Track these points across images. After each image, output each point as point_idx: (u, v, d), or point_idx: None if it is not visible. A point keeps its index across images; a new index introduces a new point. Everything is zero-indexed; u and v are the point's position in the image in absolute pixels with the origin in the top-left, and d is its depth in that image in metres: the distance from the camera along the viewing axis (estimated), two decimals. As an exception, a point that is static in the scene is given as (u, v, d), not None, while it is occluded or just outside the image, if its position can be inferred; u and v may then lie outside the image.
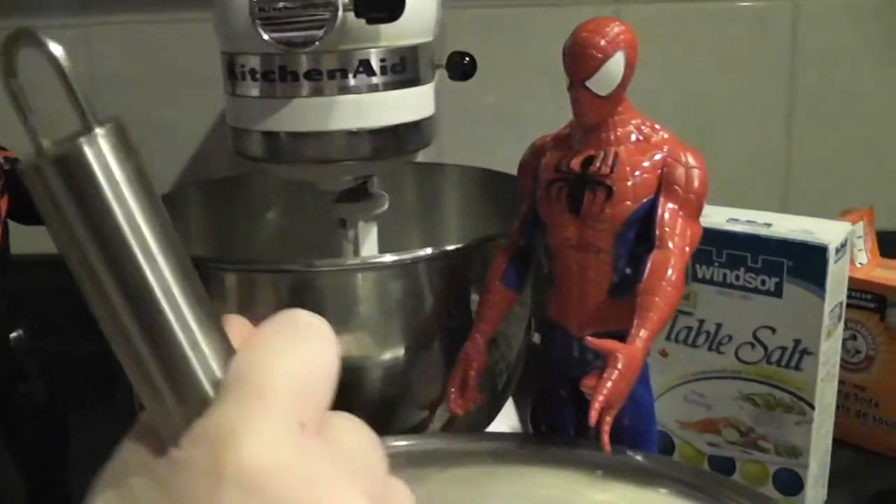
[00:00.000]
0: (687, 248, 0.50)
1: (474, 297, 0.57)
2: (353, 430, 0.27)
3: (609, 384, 0.45)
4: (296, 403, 0.25)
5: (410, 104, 0.60)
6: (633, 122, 0.51)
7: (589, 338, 0.47)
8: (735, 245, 0.64)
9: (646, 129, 0.51)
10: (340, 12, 0.53)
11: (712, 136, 0.97)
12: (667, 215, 0.49)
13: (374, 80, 0.58)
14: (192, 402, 0.24)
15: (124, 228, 0.23)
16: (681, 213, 0.50)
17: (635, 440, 0.53)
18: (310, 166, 0.61)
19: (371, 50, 0.57)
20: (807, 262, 0.62)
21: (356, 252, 0.66)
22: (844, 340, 0.77)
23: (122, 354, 0.24)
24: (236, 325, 0.28)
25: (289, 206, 0.78)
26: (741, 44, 0.95)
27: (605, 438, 0.46)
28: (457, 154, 0.91)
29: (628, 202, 0.49)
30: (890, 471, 0.74)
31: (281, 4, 0.54)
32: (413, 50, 0.59)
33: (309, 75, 0.57)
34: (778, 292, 0.63)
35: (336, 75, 0.57)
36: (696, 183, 0.50)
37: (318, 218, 0.69)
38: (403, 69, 0.58)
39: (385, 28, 0.56)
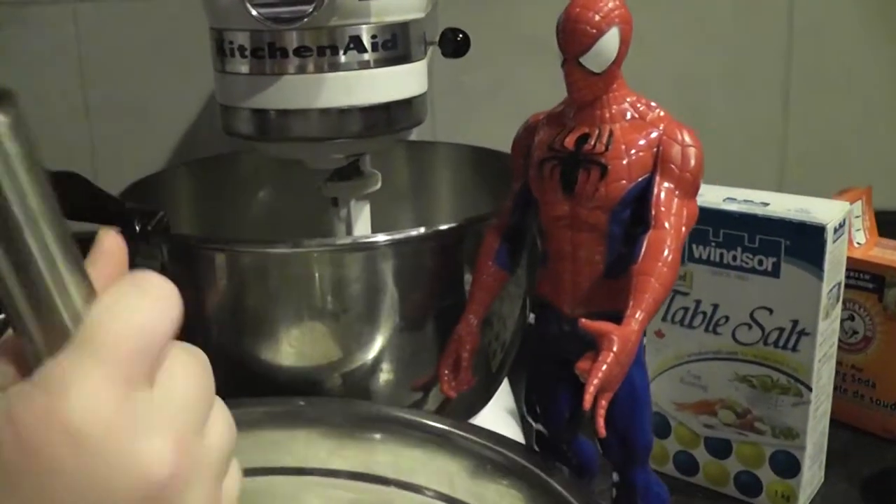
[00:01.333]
0: (683, 228, 0.49)
1: (468, 277, 0.56)
2: (184, 374, 0.31)
3: (604, 367, 0.44)
4: (128, 359, 0.28)
5: (402, 81, 0.59)
6: (629, 99, 0.50)
7: (583, 320, 0.46)
8: (732, 225, 0.63)
9: (641, 107, 0.50)
10: (330, -13, 0.52)
11: (707, 113, 0.97)
12: (662, 194, 0.48)
13: (365, 56, 0.57)
14: (54, 333, 0.28)
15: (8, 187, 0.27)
16: (677, 192, 0.49)
17: (629, 422, 0.52)
18: (300, 144, 0.60)
19: (362, 26, 0.56)
20: (805, 241, 0.61)
21: (348, 231, 0.65)
22: (842, 321, 0.76)
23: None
24: (106, 259, 0.31)
25: (280, 185, 0.77)
26: (737, 20, 0.94)
27: (601, 422, 0.46)
28: (451, 131, 0.91)
29: (623, 181, 0.48)
30: (887, 452, 0.74)
31: (268, -21, 0.52)
32: (404, 26, 0.58)
33: (298, 52, 0.56)
34: (775, 272, 0.63)
35: (326, 52, 0.56)
36: (692, 161, 0.49)
37: (309, 196, 0.67)
38: (395, 46, 0.57)
39: (376, 4, 0.55)
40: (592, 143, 0.49)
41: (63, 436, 0.27)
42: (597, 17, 0.47)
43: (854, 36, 0.96)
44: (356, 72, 0.57)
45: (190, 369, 0.31)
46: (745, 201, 0.65)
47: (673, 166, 0.48)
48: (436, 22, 0.78)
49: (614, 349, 0.45)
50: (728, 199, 0.65)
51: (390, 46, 0.57)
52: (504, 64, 0.93)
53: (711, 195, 0.65)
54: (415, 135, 0.81)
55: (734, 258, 0.64)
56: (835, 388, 0.77)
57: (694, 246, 0.64)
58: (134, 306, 0.30)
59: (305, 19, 0.52)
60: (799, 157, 0.99)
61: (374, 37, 0.56)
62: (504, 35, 0.92)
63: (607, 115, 0.49)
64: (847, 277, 0.75)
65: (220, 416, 0.33)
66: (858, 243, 0.77)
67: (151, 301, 0.30)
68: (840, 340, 0.77)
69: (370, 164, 0.66)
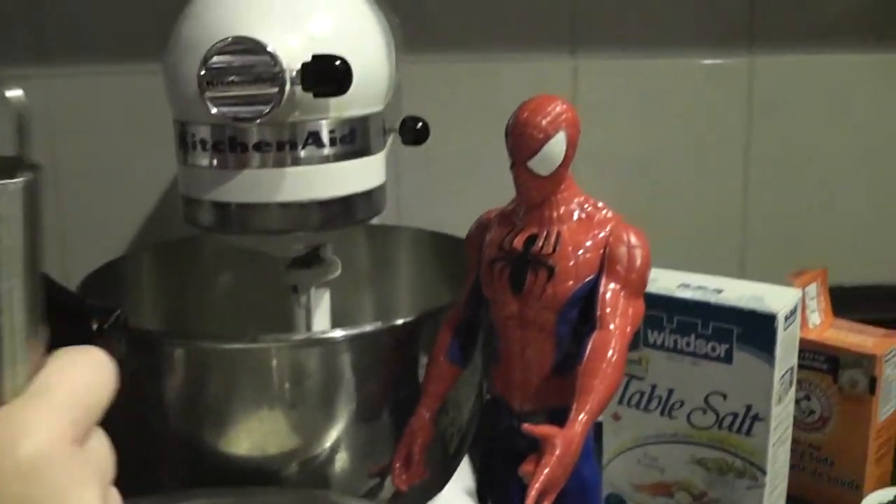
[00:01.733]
0: (629, 328, 0.50)
1: (422, 371, 0.57)
2: (102, 445, 0.34)
3: (546, 471, 0.45)
4: (71, 415, 0.31)
5: (360, 174, 0.60)
6: (577, 199, 0.51)
7: (526, 425, 0.47)
8: (685, 311, 0.65)
9: (589, 208, 0.51)
10: (288, 86, 0.53)
11: (669, 194, 0.98)
12: (608, 295, 0.50)
13: (324, 151, 0.58)
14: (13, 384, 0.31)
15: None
16: (623, 292, 0.50)
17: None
18: (260, 236, 0.60)
19: (320, 122, 0.57)
20: (756, 329, 0.63)
21: (308, 318, 0.66)
22: (799, 401, 0.77)
23: None
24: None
25: (242, 270, 0.78)
26: (698, 100, 0.96)
27: None
28: (416, 212, 0.92)
29: (570, 282, 0.50)
30: (845, 529, 0.75)
31: (229, 78, 0.54)
32: (363, 120, 0.59)
33: (258, 147, 0.57)
34: (728, 358, 0.64)
35: (285, 147, 0.57)
36: (638, 262, 0.50)
37: (272, 281, 0.68)
38: (353, 140, 0.58)
39: (334, 100, 0.56)
40: (540, 244, 0.50)
41: (13, 473, 0.29)
42: (544, 122, 0.48)
43: (811, 115, 0.98)
44: (315, 166, 0.58)
45: (104, 445, 0.34)
46: (699, 287, 0.66)
47: (619, 267, 0.50)
48: (398, 107, 0.80)
49: (557, 453, 0.46)
50: (682, 285, 0.66)
51: (349, 141, 0.58)
52: (471, 143, 0.94)
53: (666, 281, 0.66)
54: (380, 217, 0.82)
55: (688, 344, 0.65)
56: (793, 467, 0.78)
57: (649, 331, 0.66)
58: (78, 372, 0.33)
59: (264, 117, 0.53)
60: (759, 236, 1.00)
61: (332, 132, 0.57)
62: (469, 114, 0.93)
63: (555, 215, 0.51)
64: (803, 358, 0.77)
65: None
66: (814, 324, 0.79)
67: (96, 369, 0.33)
68: (797, 420, 0.78)
69: (331, 251, 0.67)
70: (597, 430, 0.68)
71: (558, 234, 0.50)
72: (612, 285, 0.50)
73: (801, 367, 0.77)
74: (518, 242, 0.51)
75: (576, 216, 0.51)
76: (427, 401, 0.55)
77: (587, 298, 0.50)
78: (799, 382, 0.77)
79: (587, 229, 0.51)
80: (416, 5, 0.91)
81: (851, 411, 0.76)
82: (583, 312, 0.50)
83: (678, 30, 0.94)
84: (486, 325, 0.55)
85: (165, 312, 0.75)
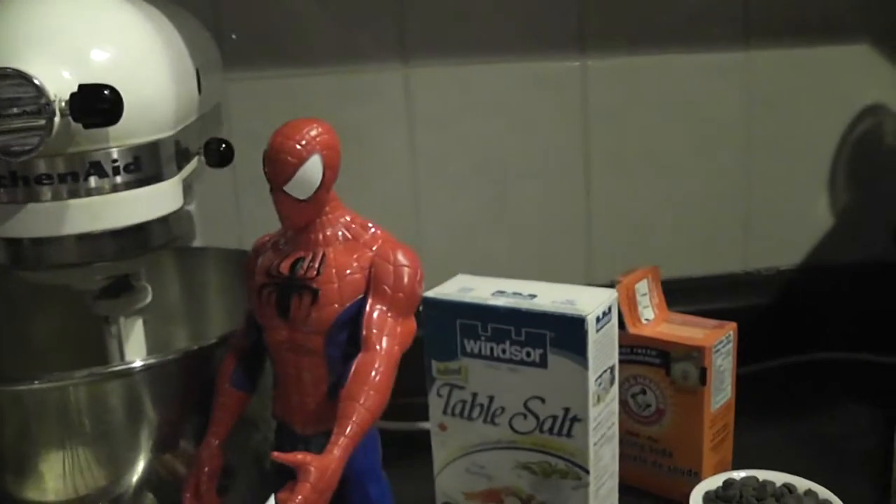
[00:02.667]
0: (396, 348, 0.50)
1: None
2: None
3: (299, 498, 0.45)
4: None
5: (153, 201, 0.59)
6: (342, 220, 0.51)
7: (275, 453, 0.47)
8: (499, 319, 0.65)
9: (355, 228, 0.51)
10: (58, 118, 0.52)
11: (511, 201, 0.99)
12: (375, 315, 0.50)
13: (111, 180, 0.57)
14: None
15: None
16: (389, 313, 0.50)
17: None
18: (57, 271, 0.59)
19: (102, 151, 0.56)
20: (567, 333, 0.63)
21: (120, 349, 0.65)
22: (635, 395, 0.79)
23: None
24: None
25: (61, 300, 0.76)
26: (534, 105, 0.97)
27: None
28: (258, 232, 0.91)
29: (335, 305, 0.50)
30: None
31: (-2, 112, 0.52)
32: (150, 147, 0.58)
33: (40, 180, 0.56)
34: (543, 363, 0.64)
35: (67, 179, 0.56)
36: (405, 280, 0.50)
37: (89, 313, 0.67)
38: (139, 168, 0.57)
39: (114, 129, 0.55)
40: (305, 267, 0.50)
41: None
42: (297, 147, 0.48)
43: (650, 117, 0.99)
44: (104, 196, 0.57)
45: None
46: (514, 294, 0.66)
47: (385, 287, 0.50)
48: (219, 125, 0.79)
49: (311, 479, 0.46)
50: (497, 292, 0.67)
51: (134, 169, 0.57)
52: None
53: (481, 290, 0.67)
54: (205, 239, 0.82)
55: (504, 351, 0.65)
56: (633, 459, 0.80)
57: (465, 340, 0.66)
58: None
59: (34, 151, 0.52)
60: (604, 240, 1.02)
61: (114, 161, 0.56)
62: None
63: (321, 238, 0.51)
64: (636, 354, 0.78)
65: None
66: (647, 320, 0.80)
67: None
68: (635, 413, 0.79)
69: (143, 278, 0.66)
70: (426, 441, 0.69)
71: (323, 257, 0.50)
72: (378, 306, 0.50)
73: (634, 362, 0.78)
74: (284, 267, 0.51)
75: (341, 237, 0.51)
76: (214, 428, 0.55)
77: (355, 321, 0.50)
78: (634, 377, 0.79)
79: (352, 250, 0.51)
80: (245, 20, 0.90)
81: (685, 402, 0.77)
82: (352, 335, 0.50)
83: (507, 35, 0.95)
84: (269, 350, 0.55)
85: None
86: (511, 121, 0.96)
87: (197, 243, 0.79)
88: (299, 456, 0.47)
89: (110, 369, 0.58)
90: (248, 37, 0.90)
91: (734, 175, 1.02)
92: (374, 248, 0.51)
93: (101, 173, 0.56)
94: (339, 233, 0.51)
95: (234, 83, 0.87)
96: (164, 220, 0.60)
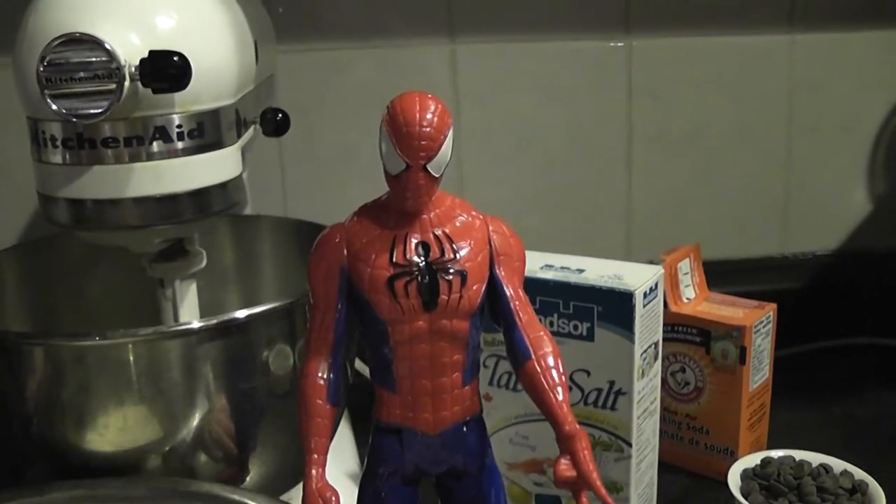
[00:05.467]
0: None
1: (276, 357, 0.57)
2: None
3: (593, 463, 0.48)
4: None
5: (213, 167, 0.60)
6: (448, 201, 0.50)
7: (559, 466, 0.49)
8: (547, 292, 0.66)
9: (452, 201, 0.50)
10: (127, 82, 0.53)
11: (554, 179, 0.99)
12: (520, 289, 0.50)
13: (174, 145, 0.58)
14: None
15: None
16: (517, 281, 0.51)
17: None
18: (117, 232, 0.60)
19: (167, 116, 0.57)
20: (615, 307, 0.64)
21: (175, 311, 0.66)
22: (674, 373, 0.80)
23: None
24: None
25: (110, 265, 0.77)
26: (578, 83, 0.97)
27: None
28: (301, 205, 0.92)
29: (478, 284, 0.49)
30: (720, 495, 0.76)
31: (68, 75, 0.53)
32: (213, 114, 0.59)
33: (106, 143, 0.57)
34: (590, 336, 0.65)
35: (133, 142, 0.57)
36: (520, 249, 0.51)
37: (143, 274, 0.68)
38: (202, 134, 0.58)
39: (179, 95, 0.56)
40: (439, 250, 0.48)
41: None
42: (436, 121, 0.46)
43: (693, 98, 1.00)
44: (166, 160, 0.58)
45: None
46: (563, 268, 0.67)
47: (510, 259, 0.50)
48: (272, 96, 0.80)
49: (586, 444, 0.48)
50: (546, 266, 0.68)
51: (198, 135, 0.58)
52: (351, 130, 0.94)
53: (530, 263, 0.66)
54: (254, 207, 0.83)
55: (551, 324, 0.66)
56: (671, 436, 0.80)
57: (513, 313, 0.67)
58: None
59: (104, 114, 0.53)
60: (645, 218, 1.02)
61: (179, 126, 0.57)
62: (345, 101, 0.94)
63: (433, 218, 0.49)
64: (676, 332, 0.79)
65: None
66: (688, 298, 0.81)
67: None
68: (673, 391, 0.80)
69: (197, 243, 0.67)
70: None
71: (447, 237, 0.49)
72: (514, 279, 0.50)
73: (675, 340, 0.79)
74: (411, 253, 0.48)
75: (463, 217, 0.50)
76: (317, 456, 0.49)
77: (488, 298, 0.50)
78: (673, 355, 0.80)
79: (468, 228, 0.49)
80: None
81: (724, 381, 0.78)
82: (481, 312, 0.50)
83: (554, 13, 0.95)
84: (371, 352, 0.51)
85: (34, 312, 0.75)
86: (555, 98, 0.97)
87: (246, 211, 0.81)
88: (566, 428, 0.49)
89: (174, 328, 0.59)
90: (295, 10, 0.91)
91: (774, 158, 1.03)
92: (481, 222, 0.50)
93: (166, 138, 0.57)
94: (454, 212, 0.50)
95: (280, 55, 0.88)
96: (222, 187, 0.61)
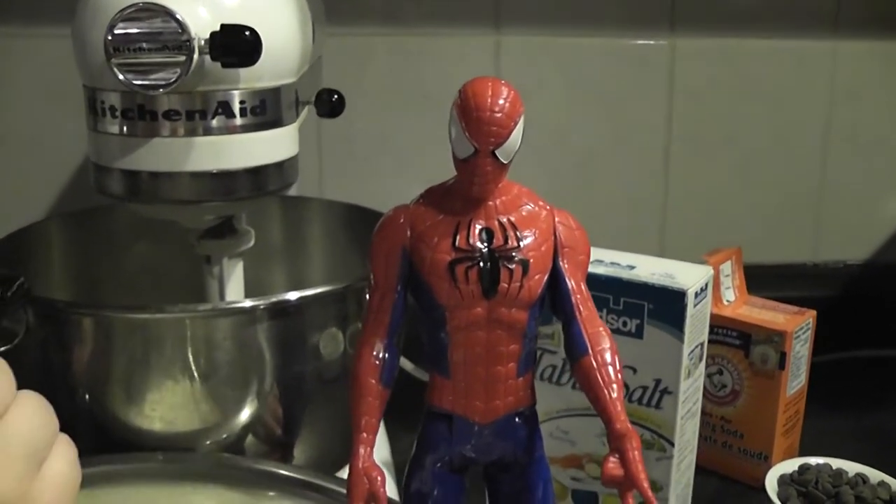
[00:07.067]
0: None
1: (328, 341, 0.57)
2: (26, 416, 0.35)
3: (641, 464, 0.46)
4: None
5: (271, 146, 0.59)
6: (515, 190, 0.49)
7: (608, 466, 0.47)
8: (598, 287, 0.65)
9: (520, 190, 0.49)
10: (196, 55, 0.52)
11: (591, 176, 0.99)
12: (574, 282, 0.49)
13: (234, 121, 0.57)
14: None
15: None
16: (580, 275, 0.50)
17: None
18: (171, 206, 0.60)
19: (231, 92, 0.56)
20: (666, 305, 0.64)
21: (220, 289, 0.66)
22: (711, 375, 0.79)
23: None
24: None
25: (156, 240, 0.77)
26: (620, 80, 0.97)
27: None
28: (338, 187, 0.91)
29: (540, 275, 0.48)
30: (752, 499, 0.76)
31: (136, 45, 0.53)
32: (274, 92, 0.58)
33: (167, 115, 0.56)
34: (639, 334, 0.65)
35: (195, 116, 0.56)
36: (585, 244, 0.50)
37: (185, 251, 0.68)
38: (264, 111, 0.58)
39: (244, 71, 0.55)
40: (502, 238, 0.47)
41: None
42: (508, 106, 0.45)
43: (731, 97, 0.99)
44: (226, 136, 0.57)
45: (31, 415, 0.35)
46: (613, 264, 0.67)
47: (575, 252, 0.49)
48: (319, 78, 0.79)
49: (637, 444, 0.46)
50: (596, 261, 0.67)
51: (259, 112, 0.58)
52: (393, 118, 0.94)
53: (580, 257, 0.67)
54: (296, 190, 0.82)
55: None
56: (705, 439, 0.80)
57: (562, 306, 0.66)
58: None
59: (171, 85, 0.53)
60: (678, 217, 1.02)
61: (242, 102, 0.57)
62: (389, 87, 0.93)
63: (499, 205, 0.48)
64: (715, 334, 0.78)
65: (61, 454, 0.36)
66: (728, 301, 0.80)
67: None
68: (710, 393, 0.80)
69: (245, 222, 0.67)
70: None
71: (512, 225, 0.48)
72: (577, 274, 0.49)
73: (713, 342, 0.78)
74: (475, 239, 0.47)
75: (529, 206, 0.48)
76: (366, 435, 0.48)
77: (546, 289, 0.49)
78: (711, 357, 0.79)
79: (535, 217, 0.48)
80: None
81: (761, 385, 0.77)
82: (542, 304, 0.49)
83: (600, 10, 0.95)
84: (427, 336, 0.50)
85: (78, 283, 0.74)
86: (595, 95, 0.96)
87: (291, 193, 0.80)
88: (617, 426, 0.47)
89: (230, 305, 0.59)
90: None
91: (810, 165, 1.02)
92: (546, 213, 0.48)
93: (229, 113, 0.57)
94: (520, 200, 0.48)
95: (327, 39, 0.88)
96: (279, 166, 0.60)
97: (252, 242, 0.67)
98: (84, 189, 0.87)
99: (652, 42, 0.96)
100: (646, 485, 0.47)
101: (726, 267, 0.80)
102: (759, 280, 0.90)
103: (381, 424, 0.76)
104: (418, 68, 0.93)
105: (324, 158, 0.93)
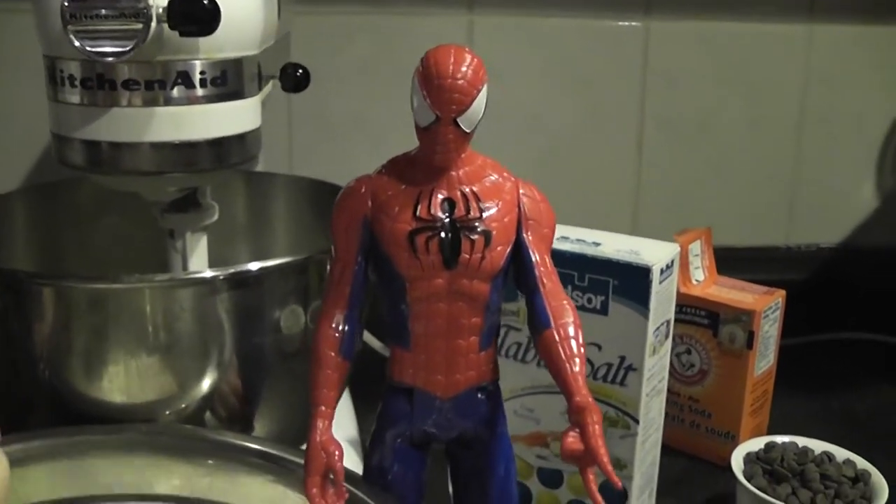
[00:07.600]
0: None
1: (289, 315, 0.56)
2: None
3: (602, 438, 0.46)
4: None
5: (233, 118, 0.59)
6: (479, 161, 0.48)
7: (567, 441, 0.47)
8: (563, 263, 0.65)
9: (483, 162, 0.48)
10: (154, 23, 0.52)
11: (565, 156, 0.99)
12: (546, 256, 0.49)
13: (195, 92, 0.57)
14: None
15: None
16: (544, 248, 0.50)
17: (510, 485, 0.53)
18: (132, 177, 0.59)
19: (190, 62, 0.56)
20: (631, 281, 0.63)
21: (184, 263, 0.65)
22: (679, 354, 0.79)
23: None
24: None
25: (120, 214, 0.76)
26: (594, 62, 0.97)
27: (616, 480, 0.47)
28: (308, 164, 0.91)
29: (503, 246, 0.47)
30: (719, 478, 0.76)
31: (93, 12, 0.52)
32: (236, 63, 0.58)
33: (127, 85, 0.56)
34: (604, 310, 0.64)
35: (154, 86, 0.56)
36: (549, 216, 0.49)
37: (153, 224, 0.67)
38: (225, 82, 0.57)
39: (205, 41, 0.55)
40: (464, 208, 0.47)
41: None
42: (470, 74, 0.44)
43: (705, 81, 0.99)
44: (186, 107, 0.57)
45: None
46: (578, 240, 0.67)
47: (539, 224, 0.49)
48: (287, 55, 0.79)
49: (598, 419, 0.46)
50: (562, 237, 0.67)
51: (220, 83, 0.57)
52: (363, 96, 0.93)
53: (546, 233, 0.67)
54: (265, 166, 0.82)
55: (565, 296, 0.65)
56: (672, 418, 0.80)
57: (527, 283, 0.66)
58: None
59: (127, 53, 0.52)
60: (652, 200, 1.02)
61: (202, 73, 0.56)
62: (361, 65, 0.93)
63: (462, 175, 0.47)
64: (684, 313, 0.78)
65: None
66: (697, 280, 0.80)
67: None
68: (678, 373, 0.80)
69: (209, 196, 0.66)
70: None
71: (475, 195, 0.47)
72: (541, 246, 0.49)
73: (682, 321, 0.78)
74: (436, 209, 0.47)
75: (493, 177, 0.48)
76: (324, 408, 0.47)
77: (511, 262, 0.49)
78: (680, 337, 0.79)
79: (497, 188, 0.48)
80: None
81: (729, 365, 0.77)
82: (505, 277, 0.49)
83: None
84: (387, 309, 0.50)
85: (43, 256, 0.74)
86: (569, 76, 0.96)
87: (258, 169, 0.80)
88: (577, 399, 0.47)
89: (189, 275, 0.58)
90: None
91: (784, 148, 1.02)
92: (511, 185, 0.48)
93: (188, 84, 0.56)
94: (484, 170, 0.48)
95: (296, 16, 0.87)
96: (241, 138, 0.60)
97: (216, 217, 0.66)
98: (50, 162, 0.87)
99: (627, 23, 0.96)
100: (606, 459, 0.46)
101: (695, 246, 0.80)
102: (732, 262, 0.90)
103: (350, 401, 0.77)
104: (392, 48, 0.92)
105: (294, 136, 0.92)
